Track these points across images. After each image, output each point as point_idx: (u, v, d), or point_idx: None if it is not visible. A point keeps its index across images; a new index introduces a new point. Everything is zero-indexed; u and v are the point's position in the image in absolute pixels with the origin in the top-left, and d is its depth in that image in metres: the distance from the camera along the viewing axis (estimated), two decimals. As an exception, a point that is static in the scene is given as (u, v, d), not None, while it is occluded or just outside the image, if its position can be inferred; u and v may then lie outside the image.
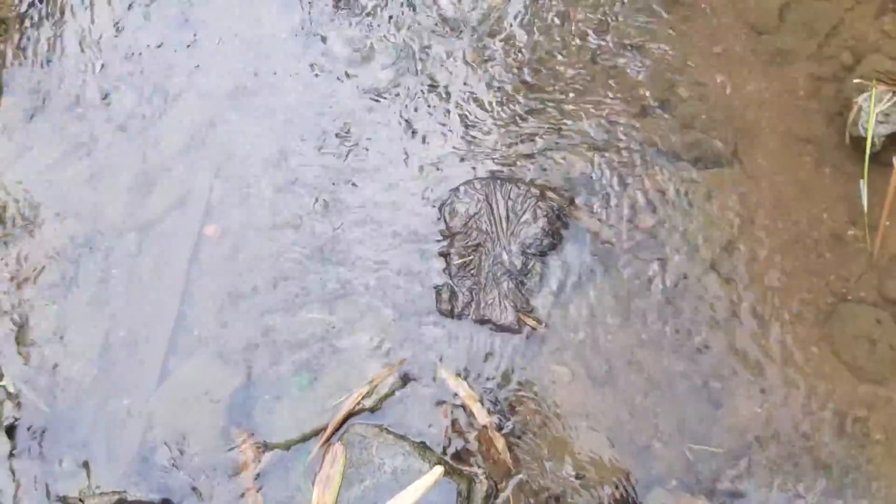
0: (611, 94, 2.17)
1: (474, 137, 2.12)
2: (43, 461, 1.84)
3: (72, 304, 1.98)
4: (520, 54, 2.23)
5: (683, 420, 1.86)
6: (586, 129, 2.12)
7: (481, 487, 1.72)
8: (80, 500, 1.74)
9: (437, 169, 2.08)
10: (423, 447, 1.76)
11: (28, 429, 1.86)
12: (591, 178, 2.04)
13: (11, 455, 1.83)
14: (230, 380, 1.90)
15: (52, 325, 1.95)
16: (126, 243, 2.02)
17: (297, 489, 1.78)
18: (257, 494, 1.78)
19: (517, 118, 2.14)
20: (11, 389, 1.86)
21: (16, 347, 1.93)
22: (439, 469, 1.67)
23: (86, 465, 1.83)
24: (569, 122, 2.13)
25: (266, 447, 1.82)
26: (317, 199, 2.06)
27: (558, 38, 2.24)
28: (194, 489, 1.80)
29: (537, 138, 2.11)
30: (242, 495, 1.78)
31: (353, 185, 2.08)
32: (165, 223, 2.07)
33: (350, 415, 1.82)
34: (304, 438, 1.82)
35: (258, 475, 1.80)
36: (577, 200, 2.02)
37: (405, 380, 1.85)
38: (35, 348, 1.95)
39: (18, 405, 1.87)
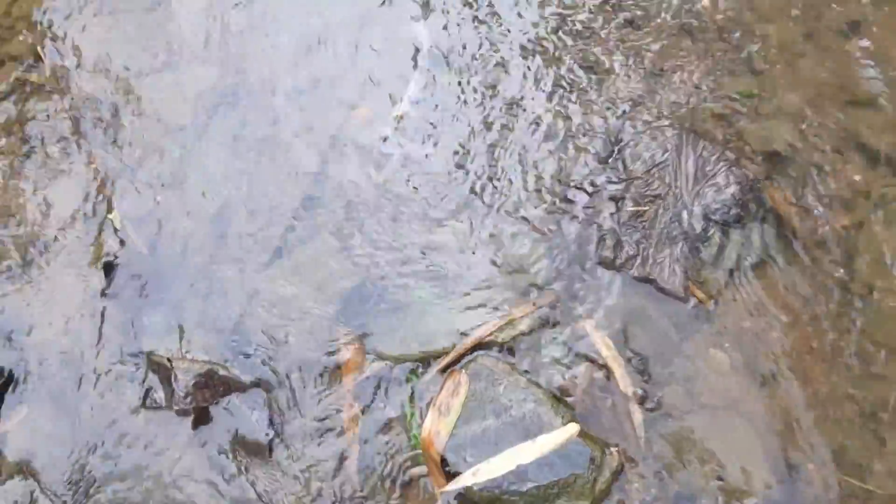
0: (825, 75, 1.94)
1: (666, 81, 1.90)
2: (134, 310, 1.66)
3: (199, 154, 1.81)
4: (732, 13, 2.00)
5: (843, 448, 1.63)
6: (794, 104, 1.89)
7: (612, 461, 1.51)
8: (169, 360, 1.57)
9: (618, 109, 1.87)
10: (556, 399, 1.56)
11: (126, 272, 1.70)
12: (793, 158, 1.81)
13: (104, 294, 1.66)
14: (348, 277, 1.71)
15: (173, 170, 1.79)
16: (272, 104, 1.85)
17: (400, 411, 1.58)
18: (355, 406, 1.60)
19: (718, 72, 1.91)
20: (118, 225, 1.69)
21: (132, 185, 1.77)
22: (576, 427, 1.46)
23: (179, 327, 1.66)
24: (776, 93, 1.91)
25: (375, 357, 1.64)
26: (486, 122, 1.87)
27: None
28: (288, 383, 1.61)
29: (738, 101, 1.89)
30: (339, 403, 1.61)
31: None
32: (316, 93, 1.89)
33: (479, 345, 1.62)
34: (420, 359, 1.62)
35: (359, 385, 1.62)
36: (774, 178, 1.80)
37: (545, 323, 1.65)
38: (151, 191, 1.78)
39: (121, 244, 1.70)
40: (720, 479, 1.55)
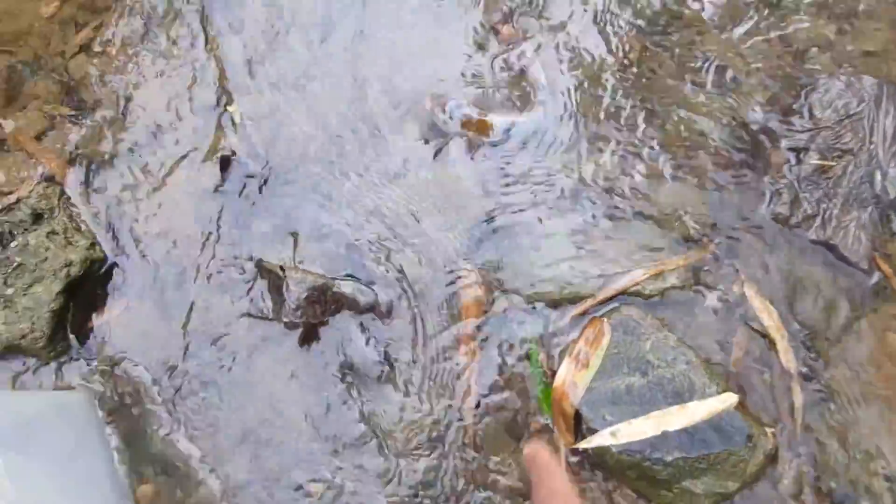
0: None
1: (861, 26, 1.64)
2: (247, 211, 1.54)
3: (326, 56, 1.65)
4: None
5: None
6: None
7: (766, 442, 1.33)
8: (282, 268, 1.45)
9: (805, 52, 1.63)
10: (710, 365, 1.38)
11: (241, 170, 1.57)
12: None
13: (217, 190, 1.55)
14: (481, 205, 1.54)
15: (297, 69, 1.65)
16: (405, 5, 1.68)
17: (524, 355, 1.43)
18: (476, 343, 1.46)
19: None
20: (237, 119, 1.57)
21: (255, 81, 1.63)
22: (734, 398, 1.27)
23: (294, 235, 1.53)
24: None
25: (502, 293, 1.48)
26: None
27: None
28: (406, 309, 1.46)
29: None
30: (459, 337, 1.46)
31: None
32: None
33: (623, 293, 1.45)
34: (554, 301, 1.46)
35: (483, 322, 1.47)
36: None
37: (700, 280, 1.46)
38: (273, 89, 1.64)
39: (239, 140, 1.58)
40: (888, 479, 1.36)
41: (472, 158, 1.54)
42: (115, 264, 1.51)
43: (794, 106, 1.52)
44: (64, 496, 1.29)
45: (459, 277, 1.48)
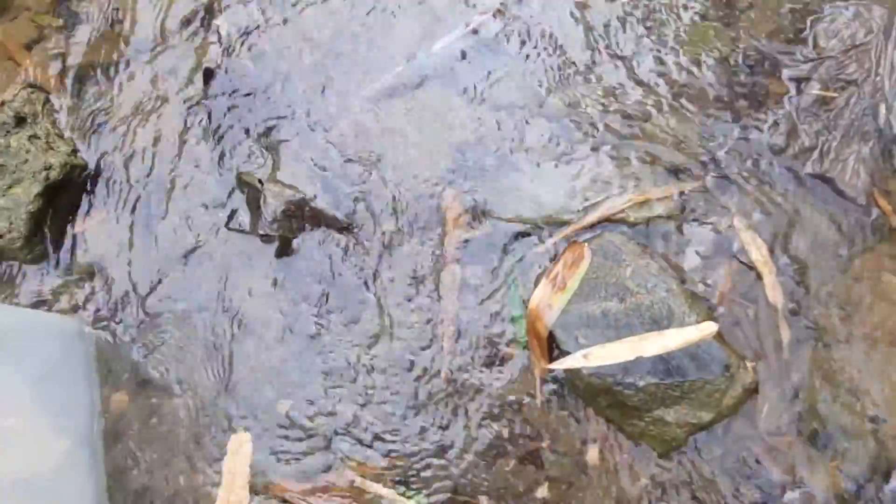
0: None
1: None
2: (230, 125, 1.52)
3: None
4: None
5: None
6: None
7: (746, 376, 1.29)
8: (260, 181, 1.42)
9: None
10: (692, 294, 1.34)
11: (227, 83, 1.55)
12: None
13: (199, 102, 1.52)
14: (466, 129, 1.50)
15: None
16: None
17: (505, 278, 1.40)
18: (456, 266, 1.43)
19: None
20: (223, 32, 1.55)
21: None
22: (713, 326, 1.23)
23: (275, 150, 1.51)
24: None
25: (484, 215, 1.45)
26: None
27: None
28: (386, 229, 1.43)
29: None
30: (439, 260, 1.44)
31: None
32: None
33: (607, 220, 1.41)
34: (535, 225, 1.43)
35: (463, 244, 1.44)
36: None
37: (688, 210, 1.41)
38: (261, 3, 1.61)
39: (225, 53, 1.56)
40: (871, 421, 1.30)
41: (461, 90, 1.50)
42: (96, 173, 1.50)
43: (799, 35, 1.46)
44: (38, 409, 1.30)
45: (443, 198, 1.45)
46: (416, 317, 1.39)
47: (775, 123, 1.40)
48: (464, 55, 1.55)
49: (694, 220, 1.39)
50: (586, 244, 1.34)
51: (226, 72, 1.51)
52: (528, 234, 1.40)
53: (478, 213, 1.42)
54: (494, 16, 1.56)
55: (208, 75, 1.49)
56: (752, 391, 1.29)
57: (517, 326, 1.34)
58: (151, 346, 1.43)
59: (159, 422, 1.37)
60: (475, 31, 1.56)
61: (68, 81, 1.56)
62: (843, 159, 1.35)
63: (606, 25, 1.54)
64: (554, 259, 1.35)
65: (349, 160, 1.47)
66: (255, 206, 1.41)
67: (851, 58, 1.40)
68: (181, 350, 1.42)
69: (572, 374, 1.26)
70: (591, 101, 1.48)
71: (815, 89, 1.39)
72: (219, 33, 1.52)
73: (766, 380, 1.31)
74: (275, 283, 1.41)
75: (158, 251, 1.45)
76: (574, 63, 1.51)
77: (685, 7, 1.54)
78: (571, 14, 1.55)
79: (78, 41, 1.61)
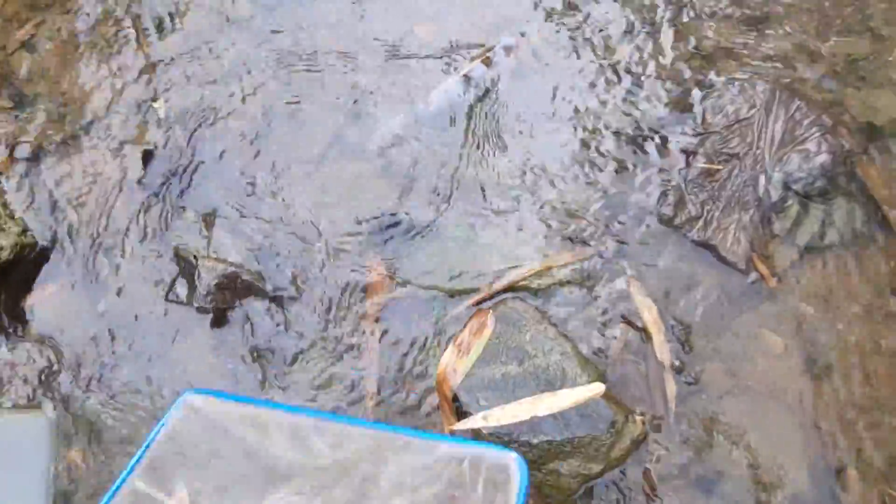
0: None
1: (765, 31, 1.69)
2: (168, 202, 1.64)
3: (250, 52, 1.74)
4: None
5: (894, 460, 1.49)
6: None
7: (634, 429, 1.42)
8: (195, 257, 1.55)
9: (701, 55, 1.69)
10: (585, 357, 1.47)
11: (164, 163, 1.67)
12: (894, 134, 1.61)
13: (140, 182, 1.65)
14: (388, 200, 1.63)
15: (221, 67, 1.74)
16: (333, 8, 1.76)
17: (421, 342, 1.53)
18: (376, 325, 1.55)
19: (828, 27, 1.69)
20: (161, 114, 1.67)
21: (180, 76, 1.72)
22: (601, 387, 1.36)
23: (210, 225, 1.63)
24: (892, 60, 1.68)
25: (403, 283, 1.57)
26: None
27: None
28: (311, 296, 1.56)
29: (847, 63, 1.67)
30: (360, 324, 1.56)
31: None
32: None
33: (512, 287, 1.53)
34: (450, 293, 1.55)
35: (383, 309, 1.56)
36: (873, 154, 1.60)
37: (586, 275, 1.54)
38: (198, 85, 1.74)
39: (163, 134, 1.68)
40: (751, 467, 1.43)
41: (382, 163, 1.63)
42: (45, 249, 1.62)
43: (689, 109, 1.58)
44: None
45: (365, 267, 1.58)
46: (342, 377, 1.52)
47: (664, 194, 1.53)
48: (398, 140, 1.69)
49: (591, 285, 1.52)
50: (491, 311, 1.47)
51: (164, 152, 1.63)
52: (443, 301, 1.53)
53: (398, 281, 1.55)
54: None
55: (147, 156, 1.60)
56: (641, 442, 1.43)
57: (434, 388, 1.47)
58: (101, 413, 1.55)
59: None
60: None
61: (17, 162, 1.67)
62: (725, 227, 1.48)
63: (505, 104, 1.68)
64: (463, 325, 1.48)
65: (279, 232, 1.60)
66: (191, 279, 1.54)
67: (735, 132, 1.53)
68: (132, 415, 1.54)
69: (475, 433, 1.39)
70: (503, 174, 1.61)
71: (701, 162, 1.51)
72: (157, 115, 1.64)
73: (654, 431, 1.45)
74: (212, 351, 1.54)
75: (106, 322, 1.57)
76: (484, 141, 1.64)
77: (587, 82, 1.68)
78: (477, 98, 1.69)
79: (26, 122, 1.73)
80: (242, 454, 1.17)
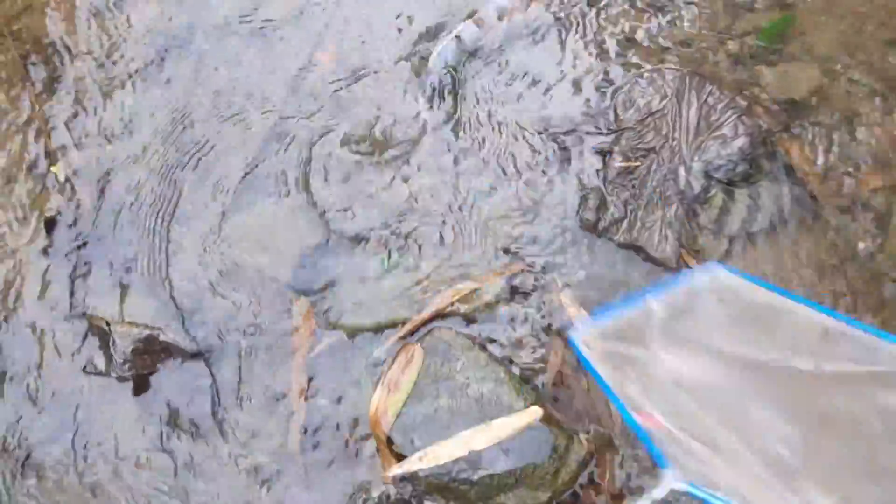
0: (864, 9, 1.66)
1: (673, 14, 1.65)
2: (77, 269, 1.57)
3: (150, 103, 1.68)
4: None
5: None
6: (825, 45, 1.62)
7: (579, 450, 1.36)
8: (107, 323, 1.48)
9: (612, 47, 1.64)
10: (520, 381, 1.41)
11: (69, 228, 1.61)
12: (818, 108, 1.56)
13: (45, 252, 1.58)
14: (304, 240, 1.57)
15: (122, 119, 1.68)
16: (230, 45, 1.71)
17: (355, 384, 1.46)
18: (304, 378, 1.48)
19: (737, 4, 1.65)
20: (61, 178, 1.60)
21: (78, 135, 1.66)
22: (538, 411, 1.31)
23: (122, 288, 1.57)
24: (806, 32, 1.64)
25: (328, 326, 1.51)
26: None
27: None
28: (234, 352, 1.48)
29: (758, 39, 1.62)
30: (288, 374, 1.49)
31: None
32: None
33: (439, 315, 1.47)
34: (377, 328, 1.49)
35: (310, 357, 1.50)
36: (794, 129, 1.56)
37: (514, 293, 1.49)
38: (98, 143, 1.68)
39: (65, 198, 1.61)
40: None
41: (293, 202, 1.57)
42: (-47, 333, 1.56)
43: (601, 108, 1.53)
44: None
45: (288, 314, 1.51)
46: (269, 427, 1.45)
47: (584, 198, 1.47)
48: (307, 175, 1.63)
49: (521, 302, 1.46)
50: (418, 343, 1.41)
51: (67, 218, 1.56)
52: (370, 339, 1.47)
53: (323, 324, 1.49)
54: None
55: (50, 224, 1.54)
56: (589, 461, 1.37)
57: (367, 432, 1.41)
58: (28, 488, 1.48)
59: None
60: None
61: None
62: (650, 226, 1.43)
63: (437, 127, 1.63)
64: (391, 362, 1.42)
65: (196, 288, 1.53)
66: (106, 347, 1.47)
67: (649, 125, 1.48)
68: (55, 493, 1.47)
69: (414, 475, 1.33)
70: (417, 195, 1.55)
71: (618, 161, 1.46)
72: (57, 180, 1.58)
73: (607, 447, 1.39)
74: (136, 419, 1.47)
75: (20, 402, 1.50)
76: (399, 160, 1.59)
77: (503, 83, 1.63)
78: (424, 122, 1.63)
79: (-76, 202, 1.66)
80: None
